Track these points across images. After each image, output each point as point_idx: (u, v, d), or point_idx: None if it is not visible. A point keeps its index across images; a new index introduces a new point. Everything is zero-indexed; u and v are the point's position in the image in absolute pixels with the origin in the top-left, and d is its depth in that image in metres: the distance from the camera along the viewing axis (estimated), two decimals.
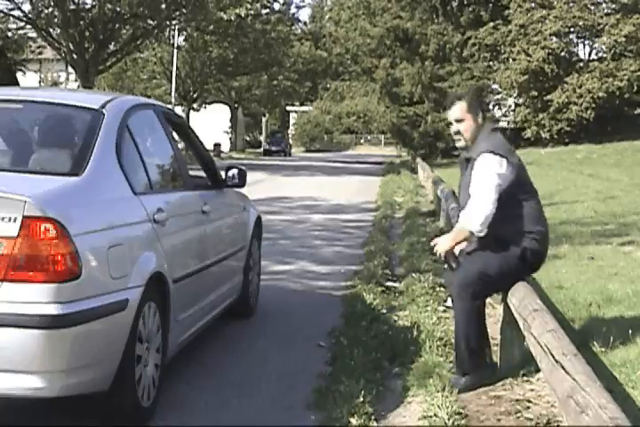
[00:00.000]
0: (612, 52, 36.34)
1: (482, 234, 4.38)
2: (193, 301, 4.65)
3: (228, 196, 5.68)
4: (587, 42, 39.79)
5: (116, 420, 3.71)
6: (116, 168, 3.96)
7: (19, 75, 33.10)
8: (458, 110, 4.85)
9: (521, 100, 39.69)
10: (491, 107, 42.49)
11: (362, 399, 4.09)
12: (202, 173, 5.67)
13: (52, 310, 3.24)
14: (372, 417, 3.99)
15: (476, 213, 4.36)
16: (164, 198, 4.42)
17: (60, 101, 4.52)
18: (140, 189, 4.10)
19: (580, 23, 37.16)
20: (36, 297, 3.24)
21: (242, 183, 5.68)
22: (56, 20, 27.31)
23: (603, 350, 4.89)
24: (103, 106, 4.26)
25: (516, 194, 4.51)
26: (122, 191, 3.94)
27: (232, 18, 29.76)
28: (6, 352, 3.22)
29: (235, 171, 5.49)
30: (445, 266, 4.73)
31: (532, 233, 4.66)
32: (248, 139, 65.68)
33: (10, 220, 3.25)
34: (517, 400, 4.21)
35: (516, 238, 4.56)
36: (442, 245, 4.49)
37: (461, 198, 4.73)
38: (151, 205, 4.12)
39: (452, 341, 5.31)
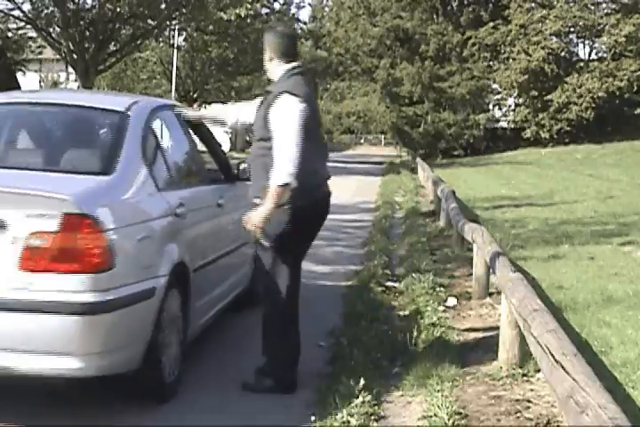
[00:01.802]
0: (612, 52, 36.37)
1: (295, 185, 4.10)
2: (210, 288, 4.94)
3: (240, 189, 5.62)
4: (587, 42, 39.86)
5: (143, 396, 4.09)
6: (142, 167, 4.27)
7: (19, 75, 33.08)
8: (264, 43, 4.54)
9: (521, 100, 39.71)
10: (490, 107, 42.54)
11: (362, 399, 4.09)
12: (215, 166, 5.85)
13: (89, 298, 3.55)
14: (372, 417, 3.99)
15: (284, 163, 4.10)
16: (184, 194, 4.66)
17: (89, 104, 4.84)
18: (163, 185, 4.38)
19: (580, 23, 37.19)
20: (74, 286, 3.54)
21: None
22: (56, 19, 27.28)
23: (603, 350, 4.90)
24: (128, 108, 4.57)
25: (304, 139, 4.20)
26: (148, 188, 4.23)
27: (232, 18, 29.72)
28: (48, 336, 3.53)
29: (245, 165, 5.57)
30: (258, 245, 4.36)
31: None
32: (248, 139, 65.66)
33: (50, 216, 3.54)
34: (517, 400, 4.21)
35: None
36: (255, 217, 4.17)
37: (255, 129, 4.47)
38: (173, 200, 4.40)
39: (452, 340, 5.32)
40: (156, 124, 4.72)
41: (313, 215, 4.39)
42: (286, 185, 4.09)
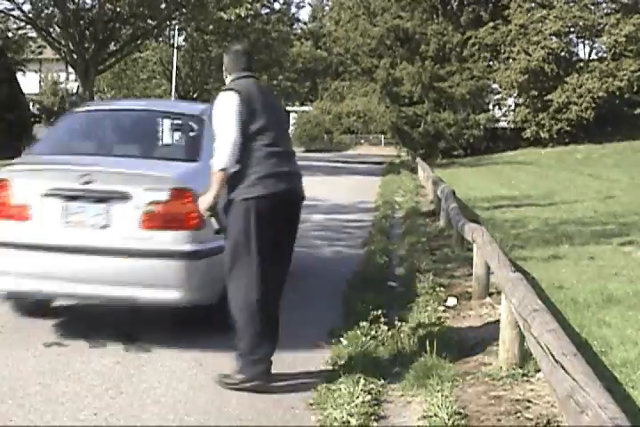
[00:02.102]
0: (612, 51, 36.36)
1: (234, 169, 4.37)
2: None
3: None
4: (587, 42, 39.82)
5: (215, 322, 5.29)
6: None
7: (19, 75, 33.09)
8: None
9: (521, 100, 39.70)
10: (490, 107, 42.53)
11: (362, 399, 4.09)
12: None
13: (189, 247, 5.06)
14: (372, 417, 3.99)
15: (220, 149, 4.39)
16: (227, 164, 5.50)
17: (174, 110, 6.68)
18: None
19: (580, 23, 37.19)
20: (179, 240, 5.05)
21: None
22: (56, 19, 27.30)
23: (603, 350, 4.90)
24: (202, 113, 5.94)
25: (246, 131, 4.41)
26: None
27: (232, 18, 29.73)
28: (160, 275, 5.04)
29: None
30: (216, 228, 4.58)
31: (247, 177, 4.39)
32: None
33: (161, 190, 5.03)
34: (517, 400, 4.21)
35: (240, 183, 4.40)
36: (204, 201, 4.43)
37: None
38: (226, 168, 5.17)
39: (452, 340, 5.32)
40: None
41: (269, 210, 4.36)
42: (223, 170, 4.35)
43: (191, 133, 6.15)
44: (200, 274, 5.15)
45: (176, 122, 6.67)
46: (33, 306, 5.85)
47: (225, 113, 4.46)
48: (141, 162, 5.61)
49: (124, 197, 5.07)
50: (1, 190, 5.28)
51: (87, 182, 5.08)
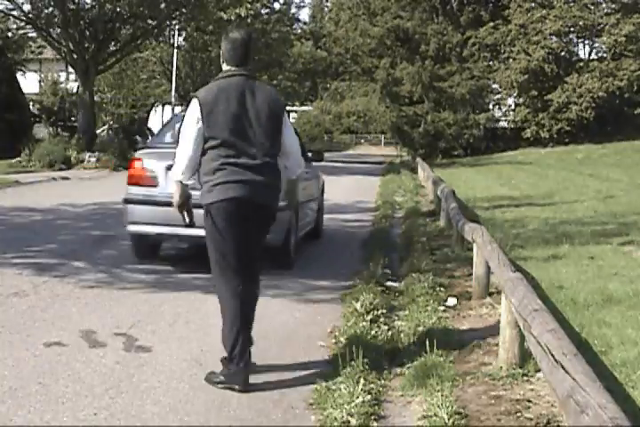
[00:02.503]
0: (612, 51, 36.38)
1: (189, 182, 4.63)
2: (302, 217, 8.58)
3: (312, 167, 9.43)
4: (587, 41, 39.84)
5: (279, 261, 7.70)
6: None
7: (19, 75, 33.07)
8: None
9: (521, 100, 39.72)
10: (490, 107, 42.54)
11: (362, 399, 4.09)
12: None
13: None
14: (372, 417, 3.99)
15: (178, 162, 4.61)
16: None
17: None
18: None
19: (580, 23, 37.21)
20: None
21: (320, 159, 9.75)
22: (56, 20, 27.27)
23: (603, 350, 4.90)
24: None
25: (204, 144, 4.50)
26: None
27: (232, 18, 29.71)
28: None
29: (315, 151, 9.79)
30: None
31: (206, 184, 4.56)
32: None
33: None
34: (517, 400, 4.21)
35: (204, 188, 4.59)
36: (174, 200, 4.74)
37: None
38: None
39: (452, 340, 5.32)
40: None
41: (224, 215, 4.53)
42: (179, 182, 4.64)
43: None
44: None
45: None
46: (147, 248, 8.34)
47: (185, 124, 4.56)
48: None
49: None
50: (138, 167, 7.83)
51: None
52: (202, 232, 5.41)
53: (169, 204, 5.69)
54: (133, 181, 7.97)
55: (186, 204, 4.76)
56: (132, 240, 8.32)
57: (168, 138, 8.43)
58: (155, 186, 7.71)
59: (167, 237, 8.12)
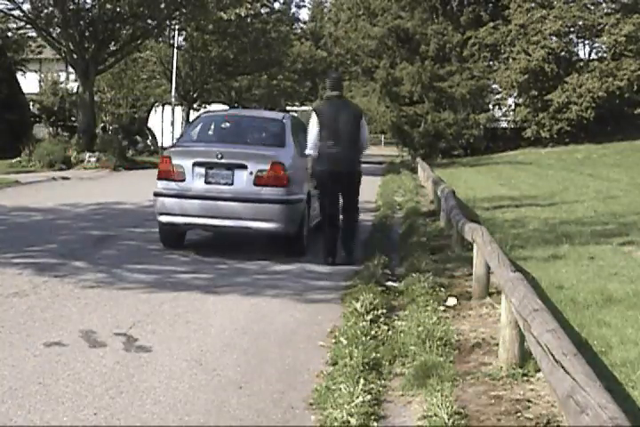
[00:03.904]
0: (612, 51, 36.34)
1: (314, 154, 8.64)
2: (312, 209, 9.43)
3: None
4: (587, 41, 39.79)
5: (293, 246, 9.01)
6: (293, 144, 9.29)
7: (19, 74, 33.05)
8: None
9: (521, 100, 39.68)
10: (490, 106, 42.51)
11: (362, 399, 4.09)
12: None
13: (282, 197, 8.53)
14: (372, 417, 3.99)
15: (308, 144, 8.69)
16: (305, 158, 8.98)
17: (266, 116, 11.06)
18: (300, 154, 9.06)
19: (580, 23, 37.18)
20: (278, 193, 8.49)
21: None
22: (56, 19, 27.24)
23: (603, 350, 4.90)
24: (282, 117, 10.10)
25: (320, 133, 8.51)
26: (297, 154, 9.14)
27: (232, 18, 29.70)
28: (267, 213, 8.48)
29: None
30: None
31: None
32: None
33: (266, 163, 8.49)
34: (517, 400, 4.21)
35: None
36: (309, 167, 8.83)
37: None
38: (304, 160, 8.98)
39: (452, 340, 5.33)
40: (293, 124, 9.89)
41: (326, 176, 8.59)
42: (309, 155, 8.72)
43: (277, 130, 9.64)
44: (290, 213, 8.68)
45: (269, 123, 10.17)
46: (174, 236, 9.29)
47: (309, 125, 8.68)
48: (251, 147, 9.23)
49: (242, 166, 8.63)
50: (167, 163, 8.86)
51: (220, 158, 8.65)
52: (223, 222, 8.65)
53: (195, 196, 8.67)
54: (163, 177, 8.95)
55: (313, 170, 8.70)
56: (160, 229, 9.26)
57: (193, 138, 9.73)
58: (183, 180, 8.76)
59: (192, 227, 9.10)
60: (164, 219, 8.89)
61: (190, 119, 44.68)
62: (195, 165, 8.67)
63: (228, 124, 10.05)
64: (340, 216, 8.82)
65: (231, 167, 8.61)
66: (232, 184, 8.60)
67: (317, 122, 8.42)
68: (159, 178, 8.96)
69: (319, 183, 8.69)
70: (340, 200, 8.76)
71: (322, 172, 8.50)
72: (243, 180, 8.55)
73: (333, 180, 8.47)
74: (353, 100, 52.90)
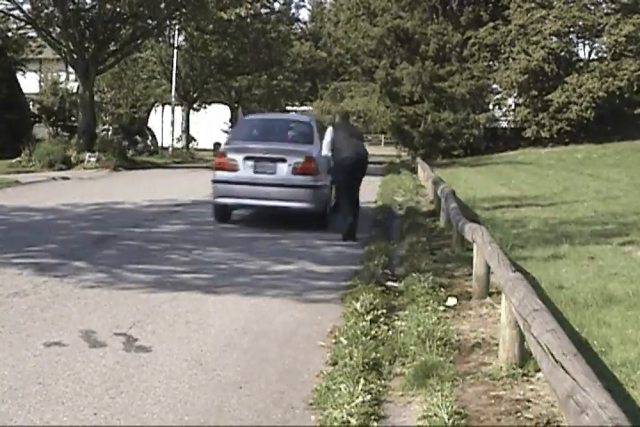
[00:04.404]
0: (612, 51, 36.32)
1: (329, 154, 10.61)
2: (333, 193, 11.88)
3: None
4: (587, 42, 39.76)
5: (320, 222, 11.47)
6: (319, 142, 11.22)
7: (19, 74, 33.03)
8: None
9: (521, 100, 39.67)
10: (490, 106, 42.50)
11: (362, 399, 4.09)
12: None
13: (312, 183, 11.18)
14: (372, 417, 3.99)
15: (324, 147, 10.68)
16: (327, 153, 10.78)
17: (297, 119, 14.11)
18: (322, 150, 10.82)
19: (580, 23, 37.16)
20: (309, 180, 11.14)
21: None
22: (56, 19, 27.25)
23: (603, 350, 4.90)
24: (310, 120, 13.09)
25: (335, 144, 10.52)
26: (322, 150, 10.76)
27: (232, 18, 29.72)
28: (301, 195, 11.13)
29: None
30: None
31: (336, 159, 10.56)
32: None
33: (301, 157, 11.20)
34: (517, 400, 4.21)
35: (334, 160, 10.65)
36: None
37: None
38: (326, 155, 10.78)
39: (452, 340, 5.33)
40: (317, 126, 12.54)
41: (345, 167, 10.45)
42: (325, 156, 10.66)
43: (307, 131, 12.29)
44: (318, 195, 11.23)
45: (299, 125, 12.79)
46: (224, 214, 11.83)
47: (326, 135, 10.74)
48: (288, 144, 11.76)
49: (283, 160, 11.17)
50: (223, 157, 11.56)
51: (266, 153, 11.25)
52: (267, 202, 11.26)
53: (246, 183, 11.18)
54: (219, 168, 11.58)
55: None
56: (215, 208, 11.85)
57: (241, 137, 12.27)
58: (236, 170, 11.33)
59: (242, 206, 11.84)
60: (220, 200, 11.56)
61: (190, 120, 44.85)
62: (245, 158, 11.32)
63: (267, 126, 12.96)
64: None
65: (274, 160, 11.22)
66: (275, 173, 11.20)
67: (336, 133, 10.65)
68: (216, 169, 11.63)
69: (334, 173, 10.91)
70: None
71: (336, 166, 10.69)
72: (283, 170, 11.17)
73: (350, 172, 10.59)
74: (353, 101, 53.06)
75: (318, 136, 11.68)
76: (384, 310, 6.13)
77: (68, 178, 20.43)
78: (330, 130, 10.71)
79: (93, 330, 5.51)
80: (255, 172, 11.17)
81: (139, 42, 30.75)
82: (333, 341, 5.39)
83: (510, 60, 38.17)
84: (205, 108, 50.79)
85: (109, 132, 33.86)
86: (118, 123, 35.67)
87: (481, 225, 7.69)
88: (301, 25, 62.33)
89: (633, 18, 35.28)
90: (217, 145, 45.14)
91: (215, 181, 11.48)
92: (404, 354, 5.05)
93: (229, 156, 11.41)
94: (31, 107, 34.01)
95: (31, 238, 9.54)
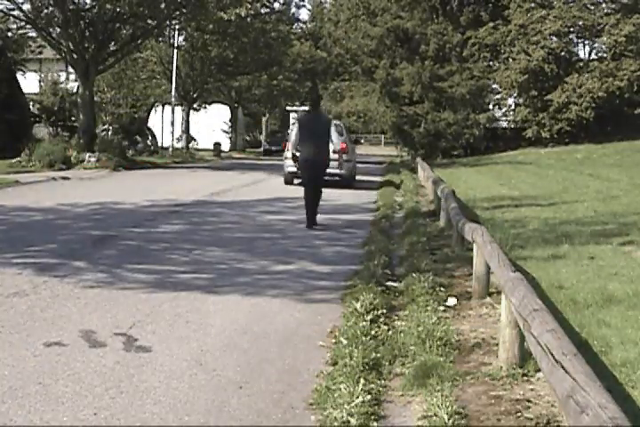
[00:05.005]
0: (612, 51, 36.32)
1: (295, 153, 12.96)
2: (355, 164, 21.80)
3: (353, 146, 22.46)
4: (587, 42, 39.76)
5: (348, 183, 20.13)
6: (347, 136, 21.26)
7: (19, 74, 33.03)
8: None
9: (521, 100, 39.67)
10: (490, 106, 42.50)
11: (362, 399, 4.09)
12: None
13: (346, 158, 20.09)
14: (372, 417, 3.99)
15: (289, 146, 17.15)
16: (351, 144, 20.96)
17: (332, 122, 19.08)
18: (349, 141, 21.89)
19: (580, 23, 37.15)
20: (344, 155, 19.87)
21: (357, 142, 26.86)
22: (56, 19, 27.24)
23: (603, 350, 4.90)
24: (339, 123, 22.05)
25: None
26: (348, 140, 21.20)
27: (232, 18, 29.71)
28: (340, 166, 19.43)
29: (354, 139, 25.07)
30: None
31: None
32: (248, 138, 65.62)
33: (338, 145, 18.32)
34: (517, 400, 4.21)
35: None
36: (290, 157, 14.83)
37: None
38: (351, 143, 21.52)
39: (452, 340, 5.33)
40: (341, 125, 21.85)
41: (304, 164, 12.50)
42: (292, 155, 13.06)
43: (339, 129, 19.58)
44: (348, 166, 19.93)
45: (335, 126, 17.61)
46: (291, 179, 19.29)
47: (291, 132, 16.25)
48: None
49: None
50: (286, 144, 19.03)
51: None
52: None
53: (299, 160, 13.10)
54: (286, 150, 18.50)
55: (294, 159, 12.66)
56: (285, 176, 19.82)
57: (293, 136, 15.02)
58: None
59: (299, 175, 15.46)
60: (289, 169, 18.61)
61: (190, 120, 44.91)
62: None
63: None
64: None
65: None
66: None
67: (298, 129, 13.08)
68: (287, 149, 18.18)
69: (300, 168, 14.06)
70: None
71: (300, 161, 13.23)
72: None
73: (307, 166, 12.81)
74: (353, 101, 52.93)
75: (345, 133, 20.82)
76: (384, 310, 6.12)
77: (68, 178, 20.43)
78: (296, 125, 13.50)
79: (93, 330, 5.51)
80: None
81: (139, 42, 30.75)
82: (333, 341, 5.39)
83: (510, 60, 38.18)
84: (205, 108, 50.80)
85: (109, 132, 33.87)
86: (118, 123, 35.67)
87: (481, 225, 7.69)
88: (301, 25, 62.32)
89: (633, 18, 35.29)
90: (217, 145, 45.29)
91: (286, 158, 18.63)
92: (404, 354, 5.05)
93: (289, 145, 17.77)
94: (31, 107, 34.01)
95: (31, 238, 9.54)
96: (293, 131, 13.85)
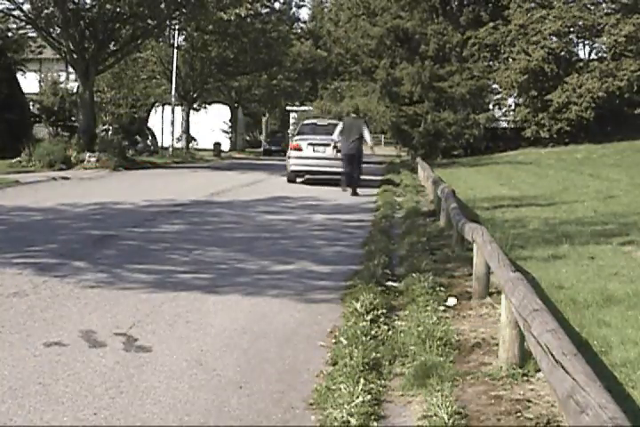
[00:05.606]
0: (612, 51, 36.31)
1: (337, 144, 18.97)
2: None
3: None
4: (587, 42, 39.76)
5: (356, 182, 18.45)
6: (370, 136, 19.64)
7: (19, 74, 33.02)
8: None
9: (521, 100, 39.68)
10: (490, 106, 42.50)
11: (362, 399, 4.09)
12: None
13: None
14: (372, 417, 3.99)
15: (334, 137, 19.21)
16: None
17: (332, 122, 23.32)
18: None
19: (580, 23, 37.15)
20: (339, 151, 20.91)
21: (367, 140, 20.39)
22: (56, 19, 27.24)
23: (603, 350, 4.90)
24: (337, 124, 21.51)
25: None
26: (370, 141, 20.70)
27: (232, 18, 29.70)
28: (337, 163, 19.11)
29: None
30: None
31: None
32: (248, 138, 65.62)
33: (333, 142, 19.70)
34: (517, 400, 4.21)
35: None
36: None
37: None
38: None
39: (452, 340, 5.33)
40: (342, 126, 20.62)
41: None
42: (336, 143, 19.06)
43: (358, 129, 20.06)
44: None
45: (334, 126, 20.03)
46: (294, 177, 20.72)
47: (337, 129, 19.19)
48: (330, 136, 19.33)
49: (328, 144, 19.51)
50: (295, 146, 20.59)
51: (320, 141, 20.07)
52: (321, 168, 19.99)
53: (308, 157, 19.99)
54: (293, 148, 20.41)
55: (336, 147, 18.93)
56: (288, 174, 20.68)
57: (302, 133, 21.26)
58: (302, 150, 19.99)
59: (304, 173, 20.14)
60: (292, 168, 20.33)
61: (190, 120, 44.92)
62: (308, 144, 20.17)
63: (316, 127, 21.80)
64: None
65: (324, 145, 19.73)
66: (325, 152, 19.77)
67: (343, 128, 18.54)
68: (291, 149, 20.53)
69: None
70: None
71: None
72: (330, 150, 19.44)
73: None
74: (352, 100, 53.11)
75: (368, 131, 20.17)
76: (384, 310, 6.12)
77: (68, 178, 20.43)
78: (340, 124, 18.74)
79: (93, 330, 5.51)
80: (314, 151, 20.11)
81: (139, 42, 30.74)
82: (333, 341, 5.39)
83: (510, 60, 38.18)
84: (205, 108, 50.80)
85: (109, 132, 33.86)
86: (118, 123, 35.66)
87: (481, 225, 7.69)
88: (301, 25, 62.35)
89: (633, 18, 35.29)
90: (217, 145, 45.30)
91: (289, 157, 20.53)
92: (404, 354, 5.05)
93: (298, 142, 20.57)
94: (31, 107, 34.01)
95: (31, 238, 9.54)
96: (337, 129, 18.73)
